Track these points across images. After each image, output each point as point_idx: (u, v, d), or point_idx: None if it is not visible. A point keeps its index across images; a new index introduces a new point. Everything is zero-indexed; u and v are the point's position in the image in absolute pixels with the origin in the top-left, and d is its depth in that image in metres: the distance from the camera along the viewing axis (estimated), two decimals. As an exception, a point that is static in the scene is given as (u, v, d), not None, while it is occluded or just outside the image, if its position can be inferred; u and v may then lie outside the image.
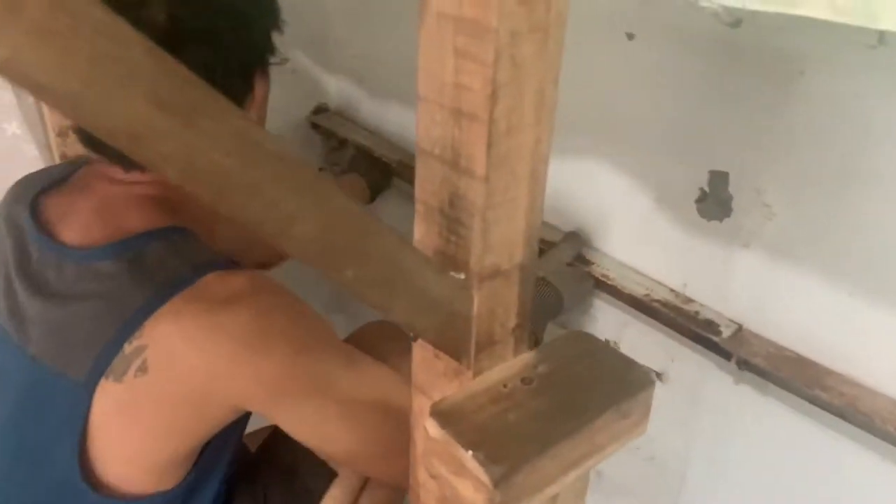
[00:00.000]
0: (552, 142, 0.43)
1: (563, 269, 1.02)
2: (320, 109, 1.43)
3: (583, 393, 0.47)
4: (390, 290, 0.40)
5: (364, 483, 0.86)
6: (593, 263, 1.02)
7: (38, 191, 0.80)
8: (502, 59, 0.38)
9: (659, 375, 1.05)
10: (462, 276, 0.44)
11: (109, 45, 0.26)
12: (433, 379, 0.50)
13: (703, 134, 0.88)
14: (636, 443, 1.13)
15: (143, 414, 0.70)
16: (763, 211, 0.85)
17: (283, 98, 1.41)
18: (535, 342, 0.99)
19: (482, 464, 0.42)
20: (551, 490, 0.45)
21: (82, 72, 0.26)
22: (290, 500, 0.87)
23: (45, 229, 0.75)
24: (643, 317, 1.00)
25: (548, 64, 0.40)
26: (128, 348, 0.67)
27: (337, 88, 1.41)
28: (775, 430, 0.93)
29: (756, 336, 0.90)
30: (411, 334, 0.47)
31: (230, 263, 0.74)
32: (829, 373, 0.84)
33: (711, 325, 0.91)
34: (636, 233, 1.00)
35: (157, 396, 0.69)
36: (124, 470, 0.73)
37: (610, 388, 0.48)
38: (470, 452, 0.42)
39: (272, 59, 0.80)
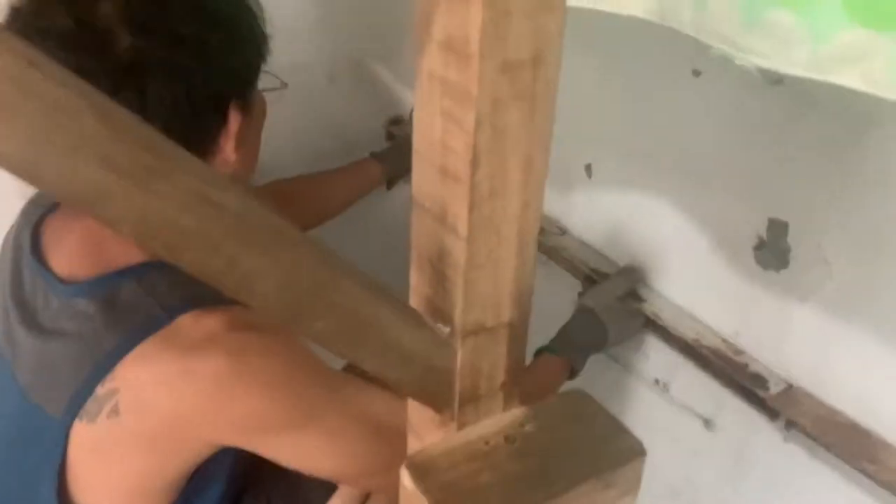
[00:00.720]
0: (541, 204, 0.42)
1: (612, 304, 1.00)
2: (397, 121, 1.45)
3: (565, 459, 0.46)
4: (360, 342, 0.40)
5: (366, 494, 0.87)
6: (645, 301, 0.99)
7: (44, 210, 0.80)
8: (483, 126, 0.38)
9: (707, 423, 1.01)
10: (447, 329, 0.44)
11: (59, 115, 0.28)
12: (424, 423, 0.50)
13: (765, 178, 0.84)
14: (679, 489, 1.10)
15: (119, 454, 0.71)
16: (823, 267, 0.80)
17: (359, 108, 1.46)
18: (572, 373, 0.98)
19: (445, 525, 0.41)
20: (521, 555, 0.44)
21: (33, 142, 0.27)
22: None
23: (39, 253, 0.76)
24: (694, 361, 0.97)
25: (535, 132, 0.39)
26: (100, 390, 0.67)
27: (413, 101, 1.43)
28: (822, 495, 0.88)
29: (808, 396, 0.85)
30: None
31: (208, 299, 0.70)
32: (883, 445, 0.79)
33: (760, 380, 0.87)
34: (693, 274, 0.96)
35: (131, 438, 0.70)
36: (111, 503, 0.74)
37: (595, 455, 0.46)
38: (435, 511, 0.42)
39: (268, 86, 0.80)
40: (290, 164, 1.22)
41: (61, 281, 0.73)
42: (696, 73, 0.87)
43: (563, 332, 1.00)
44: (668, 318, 0.97)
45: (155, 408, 0.68)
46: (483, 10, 0.34)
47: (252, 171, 0.85)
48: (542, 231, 1.13)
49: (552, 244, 1.11)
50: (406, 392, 0.44)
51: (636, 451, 0.47)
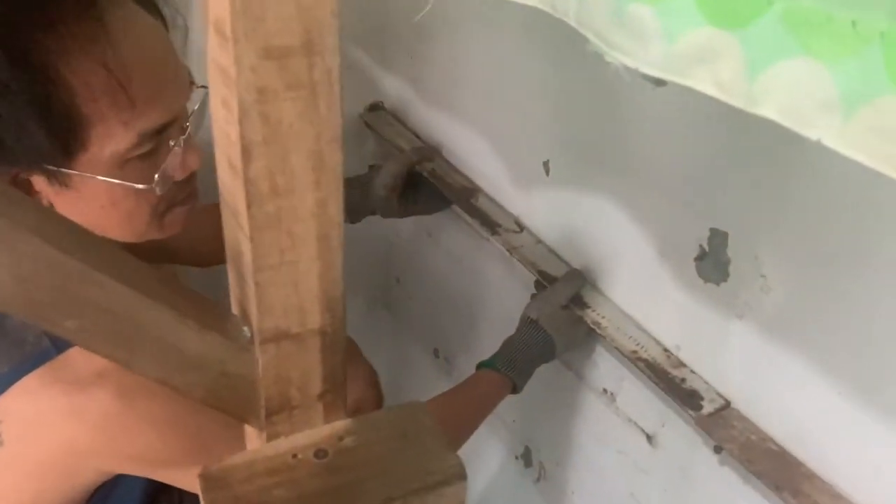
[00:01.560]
0: (342, 204, 0.39)
1: (557, 312, 0.95)
2: (375, 107, 1.42)
3: (376, 477, 0.43)
4: (127, 344, 0.37)
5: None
6: (589, 308, 0.95)
7: None
8: (250, 115, 0.34)
9: (650, 439, 0.96)
10: (248, 331, 0.41)
11: None
12: (248, 435, 0.48)
13: (709, 188, 0.79)
14: (624, 503, 1.06)
15: (9, 480, 0.69)
16: (759, 282, 0.75)
17: (336, 92, 1.42)
18: (514, 389, 0.94)
19: (218, 541, 0.39)
20: (315, 578, 0.42)
21: None
22: None
23: None
24: (637, 373, 0.92)
25: (320, 126, 0.36)
26: None
27: (394, 88, 1.39)
28: (754, 525, 0.83)
29: (742, 418, 0.80)
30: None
31: None
32: (810, 476, 0.74)
33: (695, 397, 0.83)
34: (639, 281, 0.92)
35: (18, 467, 0.68)
36: None
37: (408, 477, 0.43)
38: (212, 526, 0.39)
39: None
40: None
41: None
42: (659, 82, 0.82)
43: (507, 346, 0.96)
44: (608, 326, 0.92)
45: (41, 441, 0.67)
46: (231, -10, 0.31)
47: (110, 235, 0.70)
48: (499, 227, 1.10)
49: (510, 241, 1.07)
50: (200, 399, 0.41)
51: (456, 475, 0.43)
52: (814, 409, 0.73)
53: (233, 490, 0.41)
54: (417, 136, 1.33)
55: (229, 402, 0.42)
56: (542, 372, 1.09)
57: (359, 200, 1.20)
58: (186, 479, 0.72)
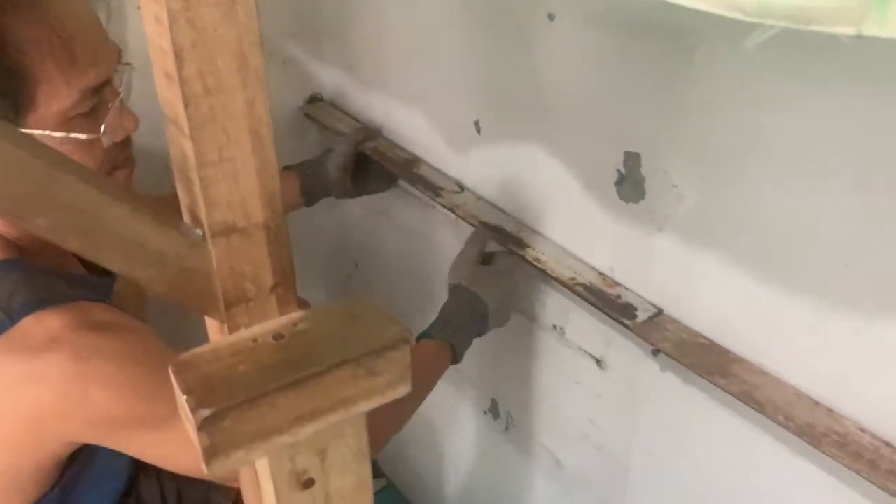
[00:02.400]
0: (267, 104, 0.45)
1: (474, 270, 1.00)
2: (314, 99, 1.48)
3: (326, 349, 0.49)
4: (95, 240, 0.43)
5: None
6: (529, 247, 1.02)
7: None
8: (179, 23, 0.40)
9: (599, 362, 1.03)
10: (200, 231, 0.47)
11: None
12: (212, 333, 0.53)
13: (618, 114, 0.86)
14: (585, 431, 1.13)
15: None
16: (672, 192, 0.83)
17: (275, 87, 1.48)
18: (456, 354, 0.98)
19: (192, 408, 0.44)
20: (284, 439, 0.47)
21: None
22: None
23: None
24: (581, 301, 0.99)
25: (241, 29, 0.42)
26: None
27: (331, 78, 1.46)
28: (696, 418, 0.90)
29: (673, 321, 0.87)
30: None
31: (52, 300, 0.70)
32: (737, 360, 0.81)
33: (629, 309, 0.90)
34: (570, 215, 0.99)
35: None
36: None
37: (357, 345, 0.49)
38: (185, 397, 0.45)
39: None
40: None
41: None
42: (552, 17, 0.90)
43: (441, 315, 0.99)
44: (550, 259, 0.99)
45: (6, 412, 0.69)
46: None
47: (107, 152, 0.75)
48: (441, 190, 1.16)
49: (453, 201, 1.14)
50: (164, 293, 0.47)
51: (399, 340, 0.49)
52: (733, 300, 0.80)
53: (201, 370, 0.47)
54: (357, 121, 1.39)
55: (190, 296, 0.48)
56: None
57: (313, 183, 1.25)
58: (147, 444, 0.73)
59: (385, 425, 0.88)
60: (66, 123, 0.69)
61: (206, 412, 0.44)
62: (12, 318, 0.70)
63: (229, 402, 0.44)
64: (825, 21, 0.36)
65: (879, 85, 0.62)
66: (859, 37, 0.35)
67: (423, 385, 0.94)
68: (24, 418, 0.70)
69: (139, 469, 0.91)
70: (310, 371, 0.47)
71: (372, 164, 1.28)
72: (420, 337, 0.98)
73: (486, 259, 1.02)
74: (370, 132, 1.32)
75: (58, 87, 0.67)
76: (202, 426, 0.44)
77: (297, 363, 0.47)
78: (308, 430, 0.48)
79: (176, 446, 0.70)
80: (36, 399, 0.69)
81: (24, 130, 0.67)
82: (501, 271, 1.00)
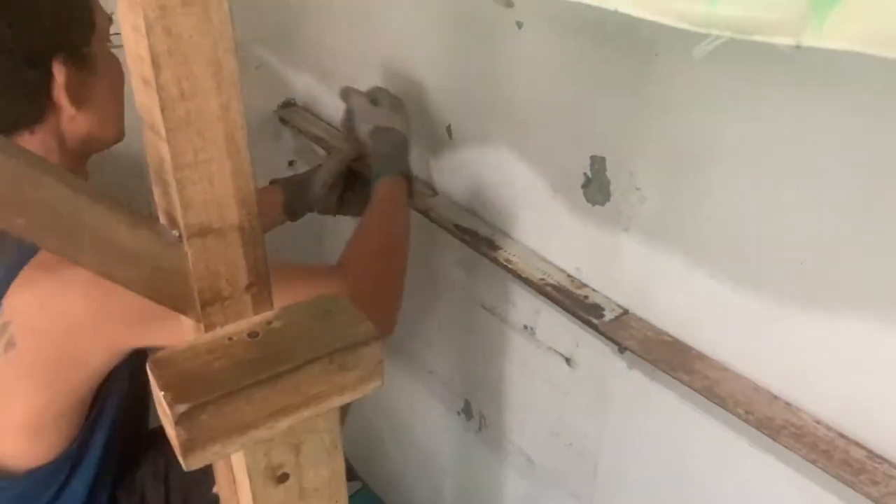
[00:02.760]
0: (242, 108, 0.46)
1: (371, 109, 1.08)
2: (288, 104, 1.49)
3: (300, 345, 0.50)
4: (73, 240, 0.44)
5: None
6: (501, 249, 1.04)
7: None
8: (155, 30, 0.42)
9: (568, 361, 1.06)
10: (176, 232, 0.48)
11: None
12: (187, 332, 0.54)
13: (584, 119, 0.89)
14: (556, 429, 1.15)
15: (22, 382, 0.76)
16: (636, 194, 0.85)
17: (248, 91, 1.49)
18: (408, 178, 1.06)
19: (169, 403, 0.45)
20: (259, 433, 0.49)
21: None
22: (190, 476, 0.92)
23: None
24: (550, 302, 1.01)
25: (215, 36, 0.44)
26: None
27: (304, 84, 1.47)
28: (662, 414, 0.93)
29: (639, 320, 0.90)
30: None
31: None
32: (700, 357, 0.84)
33: (596, 309, 0.92)
34: (539, 218, 1.01)
35: (31, 365, 0.75)
36: (11, 442, 0.79)
37: (329, 342, 0.50)
38: (162, 393, 0.46)
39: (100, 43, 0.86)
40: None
41: None
42: (520, 25, 0.92)
43: (379, 157, 1.07)
44: (520, 261, 1.01)
45: (47, 328, 0.73)
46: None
47: (111, 133, 0.90)
48: (416, 194, 1.18)
49: (426, 205, 1.16)
50: (141, 293, 0.48)
51: (368, 337, 0.51)
52: (695, 298, 0.83)
53: (179, 367, 0.48)
54: (331, 125, 1.41)
55: (167, 295, 0.49)
56: (468, 318, 1.18)
57: (297, 198, 1.26)
58: (169, 334, 0.75)
59: (398, 270, 0.98)
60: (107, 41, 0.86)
61: (183, 407, 0.45)
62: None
63: (206, 397, 0.46)
64: (767, 32, 0.38)
65: (832, 90, 0.65)
66: (798, 47, 0.37)
67: (404, 216, 1.03)
68: (62, 332, 0.74)
69: (146, 474, 0.94)
70: (284, 367, 0.48)
71: (361, 186, 1.28)
72: (375, 179, 1.05)
73: (374, 102, 1.10)
74: (364, 149, 1.33)
75: (101, 12, 0.86)
76: (179, 420, 0.45)
77: (272, 360, 0.49)
78: (283, 424, 0.50)
79: None
80: (68, 307, 0.73)
81: (93, 49, 0.85)
82: (393, 105, 1.09)
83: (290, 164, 1.55)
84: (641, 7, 0.43)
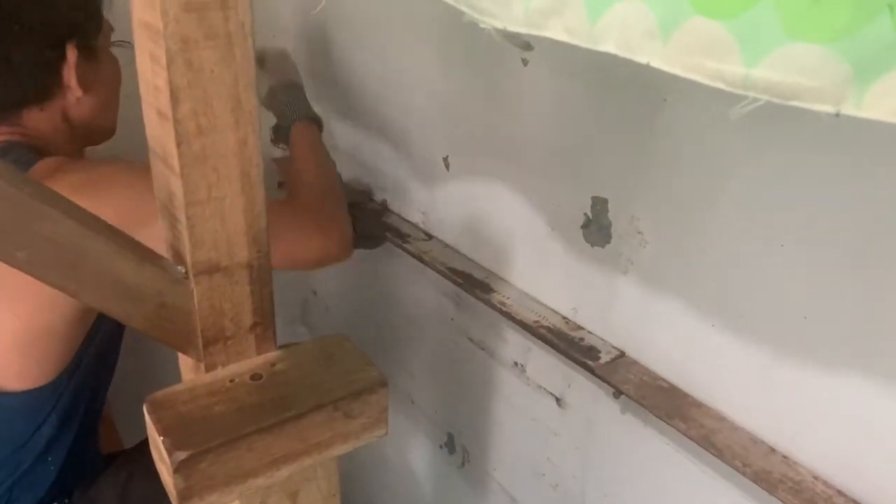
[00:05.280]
0: (259, 145, 0.45)
1: (273, 69, 1.20)
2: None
3: (305, 391, 0.48)
4: (72, 274, 0.42)
5: None
6: (495, 291, 1.03)
7: None
8: (177, 62, 0.40)
9: (558, 401, 1.04)
10: (182, 269, 0.46)
11: None
12: (186, 370, 0.52)
13: (587, 159, 0.88)
14: (541, 469, 1.13)
15: (12, 288, 0.81)
16: (637, 238, 0.85)
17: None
18: (317, 122, 1.19)
19: (168, 449, 0.43)
20: (258, 482, 0.47)
21: None
22: (150, 492, 0.90)
23: None
24: (541, 342, 1.00)
25: (237, 71, 0.42)
26: None
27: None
28: (656, 461, 0.92)
29: (635, 363, 0.89)
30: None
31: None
32: (696, 405, 0.83)
33: (592, 352, 0.91)
34: (535, 257, 1.00)
35: (8, 286, 0.81)
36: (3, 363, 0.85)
37: (336, 388, 0.49)
38: (161, 438, 0.44)
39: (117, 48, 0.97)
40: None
41: None
42: (525, 62, 0.92)
43: (278, 117, 1.20)
44: (515, 303, 1.00)
45: None
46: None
47: (108, 124, 1.03)
48: (408, 236, 1.17)
49: (419, 249, 1.14)
50: (142, 329, 0.46)
51: (377, 384, 0.49)
52: (694, 346, 0.82)
53: (177, 409, 0.46)
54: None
55: (169, 333, 0.47)
56: (457, 352, 1.16)
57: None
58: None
59: (337, 197, 1.10)
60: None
61: (182, 454, 0.43)
62: (29, 165, 0.85)
63: (206, 445, 0.44)
64: (806, 98, 0.38)
65: (841, 154, 0.65)
66: (837, 115, 0.37)
67: (323, 152, 1.17)
68: None
69: (134, 470, 0.97)
70: (288, 414, 0.47)
71: (358, 224, 1.27)
72: (287, 128, 1.17)
73: (260, 63, 1.18)
74: (358, 196, 1.32)
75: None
76: (178, 468, 0.43)
77: (275, 405, 0.47)
78: (283, 473, 0.48)
79: None
80: None
81: (99, 43, 0.97)
82: (277, 60, 1.21)
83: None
84: (675, 64, 0.42)
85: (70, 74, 0.92)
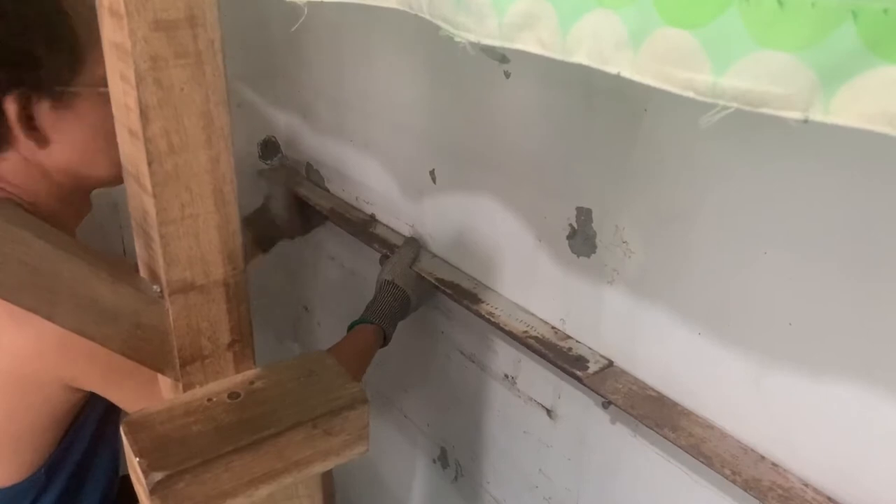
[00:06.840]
0: (231, 162, 0.45)
1: (406, 272, 1.12)
2: (268, 142, 1.47)
3: (283, 409, 0.48)
4: (49, 297, 0.42)
5: None
6: (483, 302, 1.02)
7: None
8: (146, 81, 0.40)
9: (549, 412, 1.04)
10: (157, 288, 0.46)
11: None
12: (165, 389, 0.52)
13: (570, 170, 0.88)
14: (534, 482, 1.13)
15: None
16: (622, 248, 0.85)
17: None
18: (385, 337, 1.09)
19: (144, 471, 0.43)
20: (238, 502, 0.46)
21: None
22: None
23: None
24: (531, 353, 1.00)
25: (208, 89, 0.42)
26: None
27: (284, 121, 1.46)
28: (646, 470, 0.91)
29: (623, 373, 0.89)
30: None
31: None
32: (685, 413, 0.83)
33: (581, 361, 0.91)
34: (522, 269, 1.00)
35: None
36: None
37: (314, 405, 0.48)
38: (137, 459, 0.43)
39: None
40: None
41: None
42: (507, 75, 0.92)
43: (372, 304, 1.11)
44: (503, 314, 1.00)
45: (9, 347, 0.74)
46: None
47: (102, 173, 0.86)
48: (397, 248, 1.17)
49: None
50: (118, 351, 0.46)
51: (356, 401, 0.49)
52: (680, 354, 0.82)
53: (155, 430, 0.46)
54: (310, 165, 1.39)
55: (145, 353, 0.47)
56: (448, 365, 1.16)
57: (265, 230, 1.29)
58: (129, 392, 0.79)
59: None
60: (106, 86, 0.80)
61: (158, 475, 0.43)
62: None
63: (184, 465, 0.43)
64: (774, 105, 0.38)
65: (822, 154, 0.65)
66: (805, 121, 0.37)
67: (364, 365, 1.06)
68: (24, 353, 0.74)
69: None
70: (266, 432, 0.46)
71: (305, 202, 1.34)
72: (360, 321, 1.09)
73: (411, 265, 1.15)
74: (292, 173, 1.40)
75: (100, 53, 0.75)
76: (155, 489, 0.42)
77: (253, 424, 0.47)
78: (262, 492, 0.47)
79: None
80: (36, 333, 0.73)
81: (76, 89, 0.79)
82: (422, 276, 1.13)
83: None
84: (645, 74, 0.43)
85: (16, 127, 0.77)
